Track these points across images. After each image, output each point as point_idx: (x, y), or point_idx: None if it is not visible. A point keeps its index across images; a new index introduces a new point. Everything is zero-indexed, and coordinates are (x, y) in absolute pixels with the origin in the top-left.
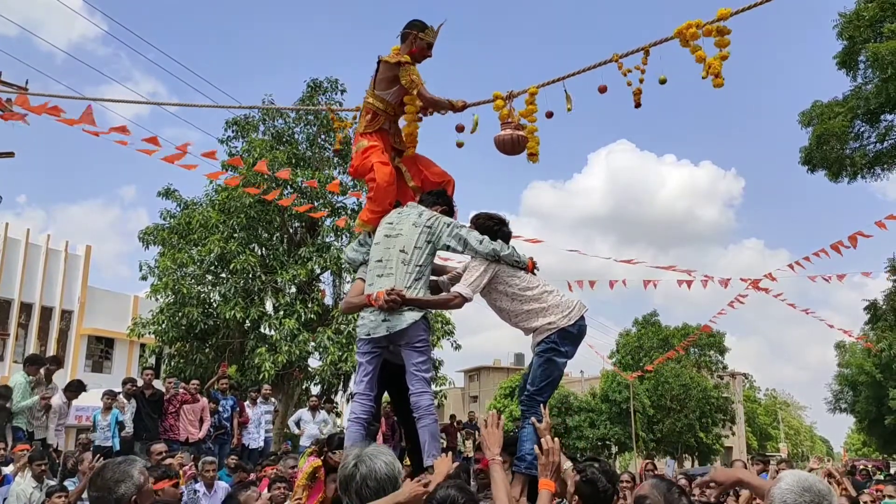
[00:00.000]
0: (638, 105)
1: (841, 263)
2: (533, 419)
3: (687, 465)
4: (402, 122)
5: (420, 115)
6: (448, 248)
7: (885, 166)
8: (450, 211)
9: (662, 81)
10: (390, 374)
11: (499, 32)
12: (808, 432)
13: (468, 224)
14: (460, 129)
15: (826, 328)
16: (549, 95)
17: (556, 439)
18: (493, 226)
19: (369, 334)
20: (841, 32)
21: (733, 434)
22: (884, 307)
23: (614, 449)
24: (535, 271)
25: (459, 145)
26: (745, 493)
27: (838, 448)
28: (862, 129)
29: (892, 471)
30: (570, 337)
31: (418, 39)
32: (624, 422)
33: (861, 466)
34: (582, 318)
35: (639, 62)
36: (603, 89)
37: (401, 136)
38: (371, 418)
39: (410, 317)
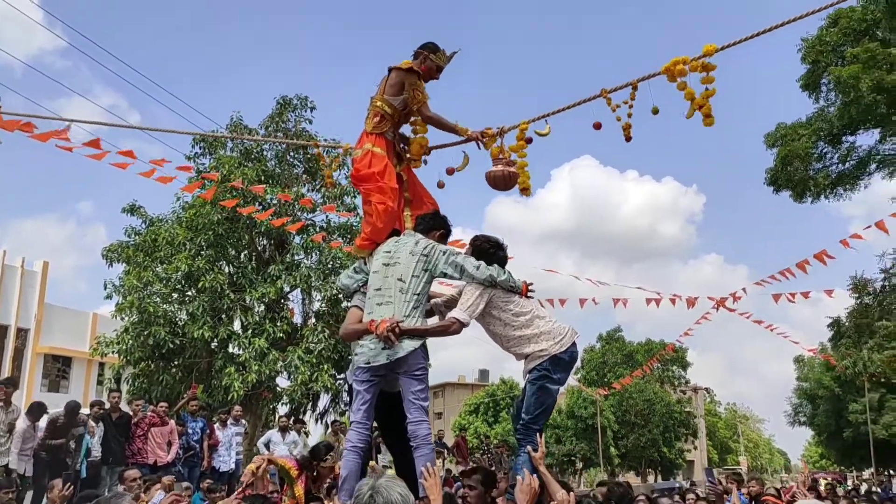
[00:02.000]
0: (628, 139)
1: (800, 280)
2: (528, 448)
3: (650, 479)
4: (408, 131)
5: (424, 158)
6: (445, 275)
7: (847, 187)
8: (447, 234)
9: (655, 111)
10: (382, 401)
11: (486, 69)
12: (767, 445)
13: (467, 244)
14: (451, 171)
15: (784, 342)
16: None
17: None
18: (488, 248)
19: (369, 362)
20: (804, 56)
21: (695, 448)
22: (847, 324)
23: (580, 465)
24: (530, 294)
25: (440, 186)
26: None
27: (795, 460)
28: (825, 150)
29: (849, 483)
30: (562, 364)
31: (428, 60)
32: (589, 437)
33: (824, 480)
34: (574, 344)
35: (627, 97)
36: (597, 126)
37: (404, 143)
38: (368, 447)
39: (410, 345)
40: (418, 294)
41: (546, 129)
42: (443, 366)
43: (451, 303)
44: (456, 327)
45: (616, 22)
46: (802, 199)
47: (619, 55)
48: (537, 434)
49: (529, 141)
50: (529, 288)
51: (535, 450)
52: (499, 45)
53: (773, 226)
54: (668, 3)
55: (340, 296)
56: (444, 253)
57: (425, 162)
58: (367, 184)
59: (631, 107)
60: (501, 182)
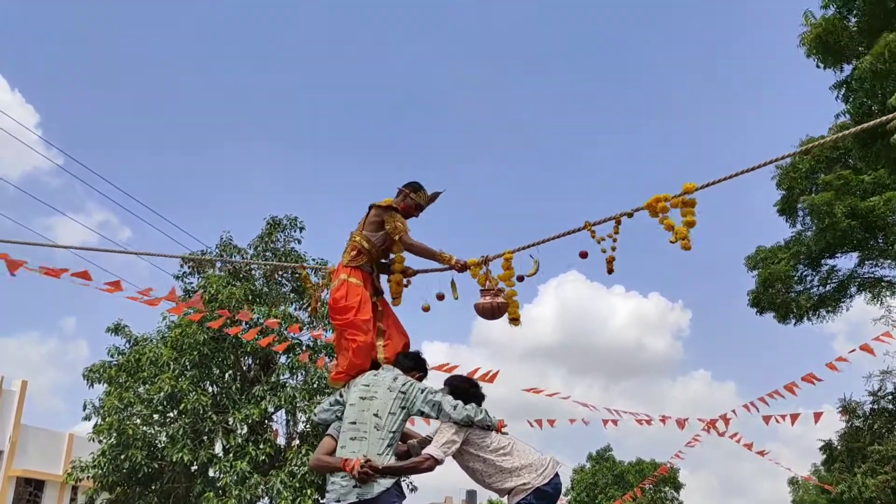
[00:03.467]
0: (610, 272)
1: (789, 398)
2: None
3: None
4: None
5: (406, 280)
6: (422, 413)
7: (829, 309)
8: (424, 377)
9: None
10: None
11: (469, 200)
12: None
13: (443, 385)
14: (441, 297)
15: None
16: (525, 258)
17: None
18: (468, 388)
19: (339, 500)
20: (779, 183)
21: None
22: (839, 447)
23: None
24: (504, 431)
25: (426, 309)
26: None
27: None
28: (805, 273)
29: None
30: (546, 496)
31: (408, 197)
32: None
33: None
34: (556, 475)
35: (610, 230)
36: (584, 255)
37: (380, 281)
38: None
39: (383, 483)
40: (393, 431)
41: (533, 269)
42: (428, 487)
43: (426, 443)
44: (429, 464)
45: (601, 156)
46: (786, 320)
47: (604, 189)
48: None
49: (521, 279)
50: (503, 427)
51: None
52: (483, 175)
53: (759, 342)
54: (650, 139)
55: None
56: (423, 391)
57: (408, 284)
58: (342, 317)
59: (615, 240)
60: (490, 313)
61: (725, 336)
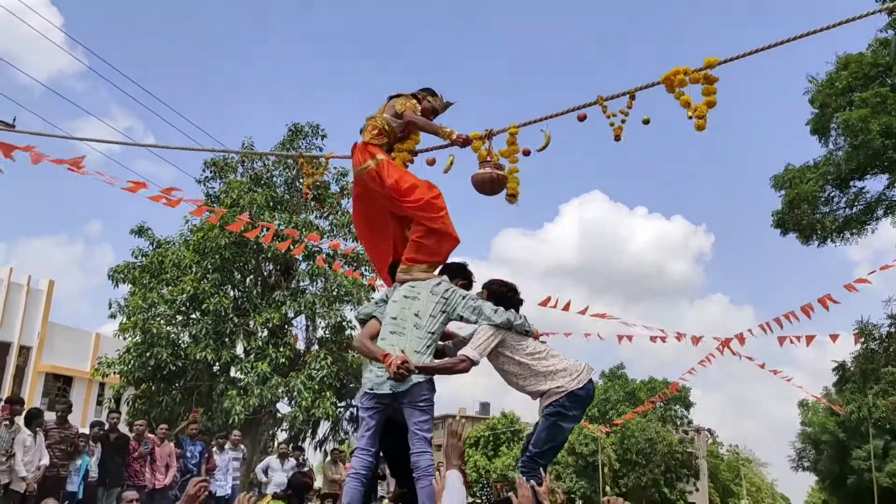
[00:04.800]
0: (617, 138)
1: (805, 322)
2: (533, 482)
3: None
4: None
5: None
6: (462, 318)
7: (854, 231)
8: (469, 285)
9: (646, 122)
10: (396, 430)
11: (476, 69)
12: (770, 490)
13: (482, 288)
14: (431, 162)
15: (788, 384)
16: (530, 136)
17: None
18: (506, 292)
19: (373, 389)
20: (813, 100)
21: (696, 490)
22: (852, 369)
23: (580, 503)
24: (542, 341)
25: (430, 163)
26: None
27: None
28: (832, 194)
29: None
30: (578, 400)
31: (426, 100)
32: (590, 476)
33: None
34: (590, 381)
35: (623, 106)
36: (582, 118)
37: None
38: (370, 474)
39: (415, 378)
40: (432, 332)
41: (545, 143)
42: (443, 397)
43: (461, 344)
44: (465, 365)
45: (623, 48)
46: (809, 241)
47: (623, 71)
48: (542, 469)
49: (527, 153)
50: (540, 336)
51: (540, 484)
52: (497, 55)
53: (780, 267)
54: (678, 31)
55: (344, 323)
56: (464, 297)
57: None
58: (411, 198)
59: (626, 114)
60: (488, 185)
61: (747, 261)
